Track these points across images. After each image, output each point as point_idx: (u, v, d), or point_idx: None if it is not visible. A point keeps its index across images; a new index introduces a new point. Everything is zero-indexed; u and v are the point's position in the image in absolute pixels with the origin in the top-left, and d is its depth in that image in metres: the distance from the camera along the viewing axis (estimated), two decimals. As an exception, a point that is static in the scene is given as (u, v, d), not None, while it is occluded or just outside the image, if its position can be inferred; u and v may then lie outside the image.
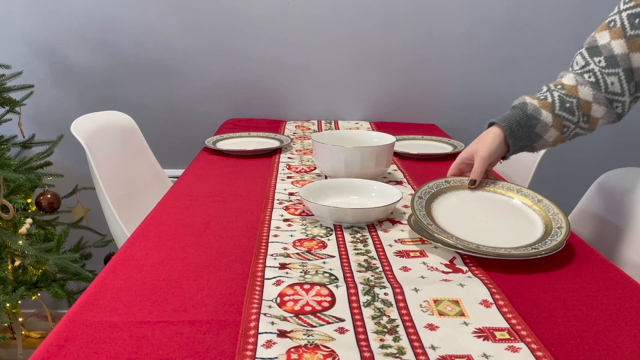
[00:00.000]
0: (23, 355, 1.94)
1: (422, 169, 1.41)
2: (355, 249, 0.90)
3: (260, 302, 0.72)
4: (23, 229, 1.65)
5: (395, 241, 0.94)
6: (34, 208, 1.82)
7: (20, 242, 1.59)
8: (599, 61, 1.01)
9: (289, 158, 1.49)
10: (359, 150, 1.18)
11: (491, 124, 1.06)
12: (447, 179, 1.07)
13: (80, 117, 1.46)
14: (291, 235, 0.95)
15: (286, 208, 1.10)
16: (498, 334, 0.66)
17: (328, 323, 0.68)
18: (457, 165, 1.08)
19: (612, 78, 0.99)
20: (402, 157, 1.52)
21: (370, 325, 0.67)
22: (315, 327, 0.67)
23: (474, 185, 1.04)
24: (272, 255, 0.87)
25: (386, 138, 1.33)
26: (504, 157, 1.08)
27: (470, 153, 1.05)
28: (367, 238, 0.95)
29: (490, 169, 1.08)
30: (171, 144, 2.11)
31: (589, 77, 1.02)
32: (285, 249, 0.90)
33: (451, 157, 1.54)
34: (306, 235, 0.96)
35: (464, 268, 0.84)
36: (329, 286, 0.77)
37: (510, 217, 0.98)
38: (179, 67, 2.06)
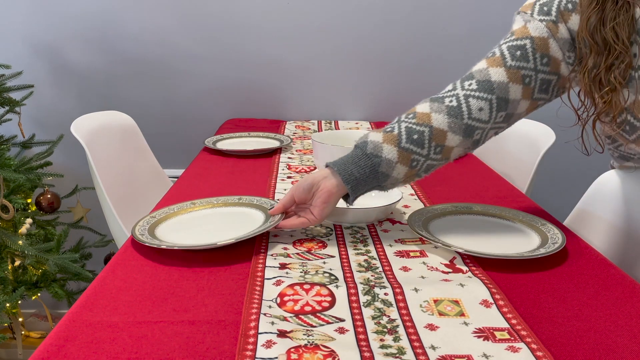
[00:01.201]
0: (23, 355, 1.94)
1: (422, 169, 1.41)
2: (355, 249, 0.90)
3: (260, 302, 0.72)
4: (23, 229, 1.65)
5: (395, 241, 0.94)
6: (34, 208, 1.82)
7: (20, 242, 1.59)
8: (470, 84, 0.91)
9: (289, 158, 1.49)
10: (359, 150, 1.18)
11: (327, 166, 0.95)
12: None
13: (80, 117, 1.46)
14: (291, 235, 0.95)
15: (286, 208, 1.10)
16: (498, 334, 0.66)
17: (328, 323, 0.68)
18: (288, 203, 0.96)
19: (482, 103, 0.89)
20: (402, 157, 1.52)
21: (370, 325, 0.67)
22: (315, 327, 0.67)
23: (271, 210, 0.97)
24: (272, 255, 0.87)
25: (386, 138, 1.32)
26: (346, 199, 0.94)
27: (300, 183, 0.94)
28: (367, 238, 0.95)
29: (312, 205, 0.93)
30: (171, 144, 2.11)
31: (450, 101, 0.91)
32: (285, 249, 0.90)
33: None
34: (306, 235, 0.96)
35: (464, 268, 0.84)
36: (329, 286, 0.77)
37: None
38: (178, 67, 2.06)
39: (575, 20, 0.88)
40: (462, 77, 0.93)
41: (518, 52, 0.90)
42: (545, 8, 0.89)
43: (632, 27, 0.85)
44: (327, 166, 0.94)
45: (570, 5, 0.88)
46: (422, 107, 0.93)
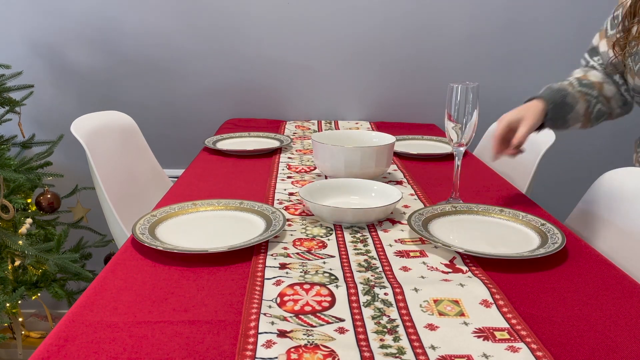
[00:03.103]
0: (23, 355, 1.94)
1: (422, 169, 1.41)
2: (355, 249, 0.90)
3: (260, 302, 0.72)
4: (23, 229, 1.65)
5: (395, 241, 0.94)
6: (34, 208, 1.82)
7: (20, 242, 1.59)
8: (598, 59, 1.24)
9: (289, 158, 1.49)
10: (359, 150, 1.18)
11: (530, 99, 1.16)
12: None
13: (80, 117, 1.46)
14: (291, 235, 0.95)
15: (286, 208, 1.10)
16: (498, 334, 0.66)
17: (328, 323, 0.68)
18: (503, 131, 1.10)
19: (610, 69, 1.22)
20: (402, 157, 1.52)
21: (370, 325, 0.67)
22: (315, 327, 0.67)
23: (519, 151, 1.11)
24: (272, 255, 0.87)
25: (386, 138, 1.33)
26: (538, 129, 1.15)
27: (517, 119, 1.10)
28: (367, 238, 0.95)
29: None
30: (171, 144, 2.11)
31: (593, 66, 1.24)
32: (285, 249, 0.90)
33: (451, 157, 1.54)
34: (306, 235, 0.96)
35: (464, 268, 0.84)
36: (329, 286, 0.77)
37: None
38: (179, 67, 2.06)
39: None
40: (588, 50, 1.28)
41: (615, 21, 1.20)
42: None
43: None
44: (529, 100, 1.15)
45: None
46: (577, 72, 1.24)
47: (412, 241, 0.94)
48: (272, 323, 0.67)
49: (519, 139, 1.08)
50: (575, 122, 1.17)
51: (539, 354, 0.62)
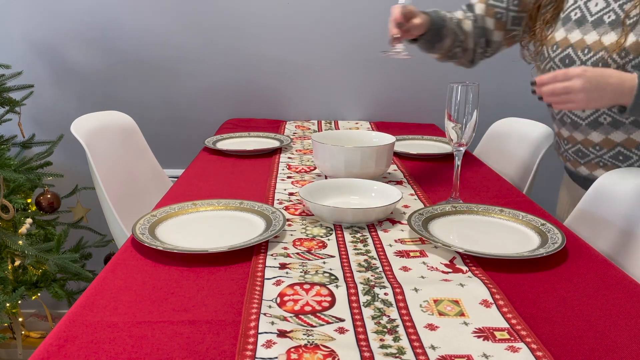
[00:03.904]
0: (23, 355, 1.94)
1: (422, 169, 1.41)
2: (355, 249, 0.90)
3: (260, 302, 0.72)
4: (23, 229, 1.65)
5: (395, 241, 0.94)
6: (34, 208, 1.82)
7: (20, 242, 1.59)
8: (471, 15, 1.33)
9: (289, 158, 1.49)
10: (359, 150, 1.18)
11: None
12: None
13: (80, 117, 1.46)
14: (291, 235, 0.95)
15: (286, 208, 1.10)
16: (498, 334, 0.66)
17: (328, 323, 0.68)
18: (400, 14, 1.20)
19: (477, 31, 1.33)
20: (402, 157, 1.52)
21: (370, 325, 0.67)
22: (315, 327, 0.67)
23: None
24: (272, 255, 0.87)
25: (386, 138, 1.33)
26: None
27: (412, 10, 1.20)
28: (367, 238, 0.95)
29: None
30: (171, 144, 2.11)
31: (468, 20, 1.34)
32: (285, 248, 0.90)
33: (451, 157, 1.54)
34: (306, 235, 0.96)
35: (464, 268, 0.84)
36: (329, 286, 0.77)
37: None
38: (179, 67, 2.06)
39: None
40: (466, 5, 1.37)
41: None
42: None
43: None
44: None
45: None
46: (458, 14, 1.35)
47: (412, 241, 0.94)
48: (272, 323, 0.67)
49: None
50: (437, 51, 1.32)
51: (539, 354, 0.62)
